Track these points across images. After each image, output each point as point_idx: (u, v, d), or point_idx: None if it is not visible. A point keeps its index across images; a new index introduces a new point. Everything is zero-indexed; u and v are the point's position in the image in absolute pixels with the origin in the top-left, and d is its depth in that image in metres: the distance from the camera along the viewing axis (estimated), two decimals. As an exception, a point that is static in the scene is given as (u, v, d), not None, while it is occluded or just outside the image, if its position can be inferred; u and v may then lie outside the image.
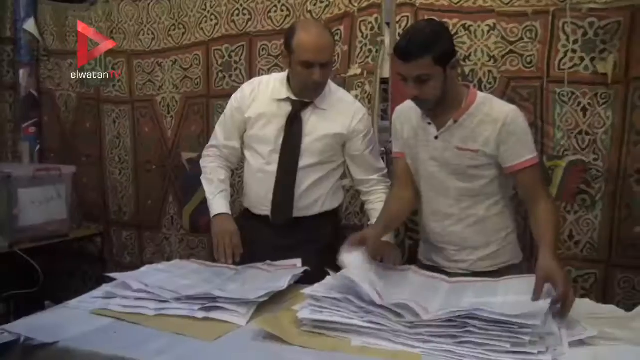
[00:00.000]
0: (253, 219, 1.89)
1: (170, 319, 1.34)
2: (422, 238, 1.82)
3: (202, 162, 1.96)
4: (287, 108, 1.80)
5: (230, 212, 1.84)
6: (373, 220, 1.80)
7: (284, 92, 1.80)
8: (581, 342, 1.16)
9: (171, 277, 1.61)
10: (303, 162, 1.80)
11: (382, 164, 1.93)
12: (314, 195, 1.84)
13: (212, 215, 1.84)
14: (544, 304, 1.19)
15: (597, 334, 1.17)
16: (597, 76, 1.92)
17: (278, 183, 1.81)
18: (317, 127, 1.80)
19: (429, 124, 1.62)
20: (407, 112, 1.70)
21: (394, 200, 1.74)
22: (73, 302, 1.48)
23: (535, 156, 1.58)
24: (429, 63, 1.46)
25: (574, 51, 1.94)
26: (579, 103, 1.96)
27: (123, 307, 1.41)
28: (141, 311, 1.38)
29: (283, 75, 1.85)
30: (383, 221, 1.69)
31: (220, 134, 1.93)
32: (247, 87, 1.89)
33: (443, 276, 1.56)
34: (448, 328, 1.15)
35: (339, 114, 1.82)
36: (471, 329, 1.13)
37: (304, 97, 1.79)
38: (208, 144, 1.98)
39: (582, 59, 1.93)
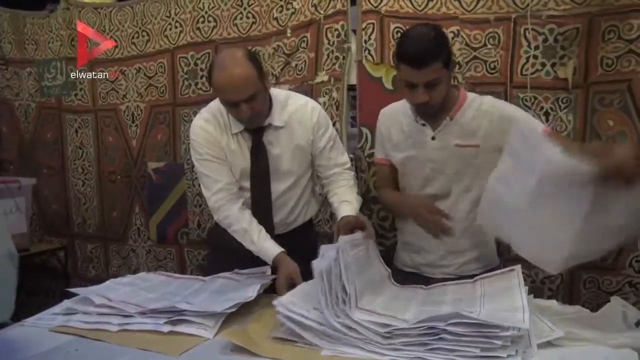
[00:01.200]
0: None
1: (135, 334, 1.30)
2: (400, 243, 1.80)
3: (218, 216, 1.74)
4: (248, 137, 1.72)
5: (281, 248, 1.64)
6: (339, 209, 1.69)
7: (238, 124, 1.70)
8: (549, 344, 1.16)
9: (136, 290, 1.57)
10: (281, 186, 1.75)
11: (344, 159, 1.84)
12: (297, 211, 1.82)
13: (268, 262, 1.64)
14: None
15: (564, 335, 1.18)
16: (557, 81, 1.97)
17: (256, 212, 1.74)
18: (284, 147, 1.73)
19: (424, 125, 1.61)
20: (394, 115, 1.68)
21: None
22: (31, 319, 1.42)
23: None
24: (439, 67, 1.46)
25: (535, 57, 1.98)
26: (542, 107, 2.00)
27: (85, 324, 1.36)
28: (104, 327, 1.34)
29: None
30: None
31: (217, 176, 1.72)
32: (206, 125, 1.73)
33: (419, 286, 1.54)
34: (421, 337, 1.14)
35: (299, 122, 1.74)
36: (445, 335, 1.12)
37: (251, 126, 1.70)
38: (210, 194, 1.73)
39: (543, 65, 1.98)
